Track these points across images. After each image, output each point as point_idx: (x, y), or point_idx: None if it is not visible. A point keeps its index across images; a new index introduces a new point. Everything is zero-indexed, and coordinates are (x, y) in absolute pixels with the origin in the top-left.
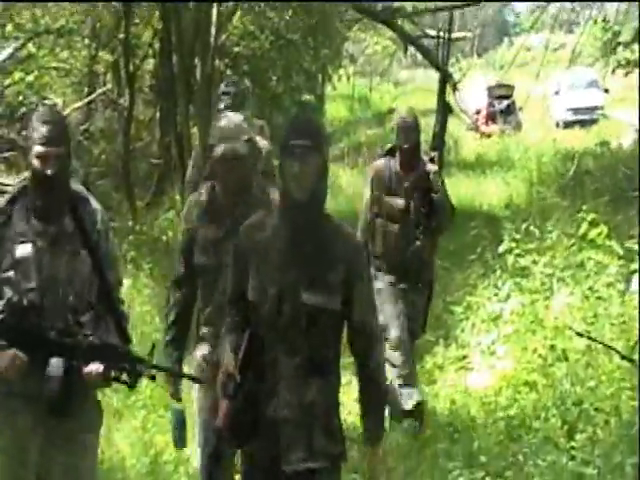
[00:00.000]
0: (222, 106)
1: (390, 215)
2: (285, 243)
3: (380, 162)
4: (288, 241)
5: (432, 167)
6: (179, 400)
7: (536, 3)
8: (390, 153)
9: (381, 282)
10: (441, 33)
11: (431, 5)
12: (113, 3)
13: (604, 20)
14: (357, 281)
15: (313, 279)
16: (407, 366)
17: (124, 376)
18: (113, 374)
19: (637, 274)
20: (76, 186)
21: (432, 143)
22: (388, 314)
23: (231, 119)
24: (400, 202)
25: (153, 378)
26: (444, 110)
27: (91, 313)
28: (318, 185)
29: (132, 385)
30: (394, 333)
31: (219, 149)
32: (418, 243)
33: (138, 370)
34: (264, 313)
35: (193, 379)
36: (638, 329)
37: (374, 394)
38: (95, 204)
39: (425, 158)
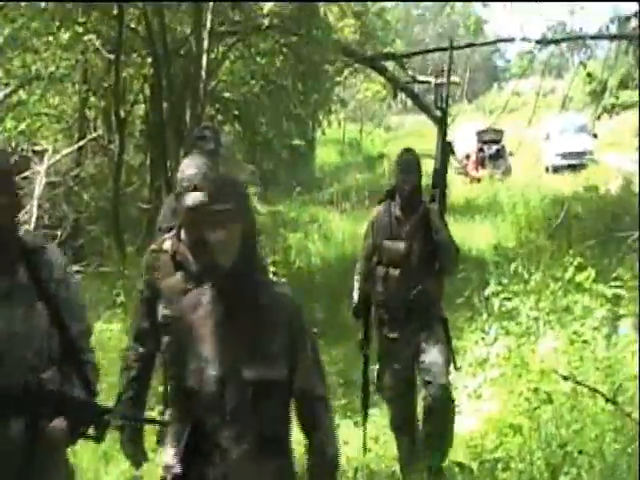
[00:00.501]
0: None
1: (391, 260)
2: (219, 317)
3: (379, 207)
4: (222, 314)
5: (432, 206)
6: (139, 465)
7: (526, 48)
8: (390, 196)
9: (385, 344)
10: (430, 78)
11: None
12: (103, 51)
13: (589, 74)
14: (299, 345)
15: (254, 352)
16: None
17: (90, 430)
18: (79, 429)
19: (626, 317)
20: (30, 236)
21: (432, 182)
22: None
23: (199, 166)
24: (401, 246)
25: (122, 428)
26: (444, 149)
27: (53, 369)
28: (243, 250)
29: (100, 438)
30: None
31: (186, 199)
32: (420, 287)
33: (105, 421)
34: (206, 398)
35: (163, 424)
36: (638, 372)
37: (321, 465)
38: (53, 253)
39: (426, 199)
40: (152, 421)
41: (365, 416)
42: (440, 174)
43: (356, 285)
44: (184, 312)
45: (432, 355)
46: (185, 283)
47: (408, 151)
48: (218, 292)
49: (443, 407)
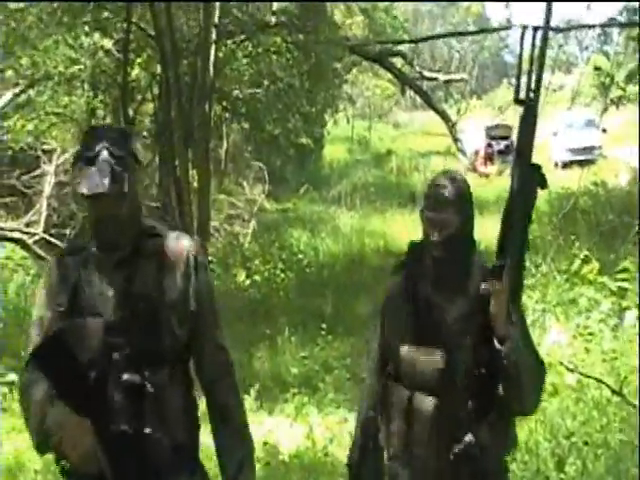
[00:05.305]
0: None
1: (417, 381)
2: None
3: (394, 280)
4: None
5: (493, 287)
6: None
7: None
8: (413, 257)
9: None
10: (439, 75)
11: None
12: (113, 50)
13: (597, 68)
14: None
15: None
16: None
17: None
18: None
19: (631, 310)
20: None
21: (499, 240)
22: None
23: None
24: (436, 358)
25: None
26: (527, 175)
27: None
28: None
29: None
30: None
31: None
32: (470, 437)
33: None
34: None
35: None
36: (638, 361)
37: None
38: None
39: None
40: None
41: None
42: (518, 225)
43: (358, 417)
44: None
45: None
46: None
47: (445, 173)
48: None
49: None
